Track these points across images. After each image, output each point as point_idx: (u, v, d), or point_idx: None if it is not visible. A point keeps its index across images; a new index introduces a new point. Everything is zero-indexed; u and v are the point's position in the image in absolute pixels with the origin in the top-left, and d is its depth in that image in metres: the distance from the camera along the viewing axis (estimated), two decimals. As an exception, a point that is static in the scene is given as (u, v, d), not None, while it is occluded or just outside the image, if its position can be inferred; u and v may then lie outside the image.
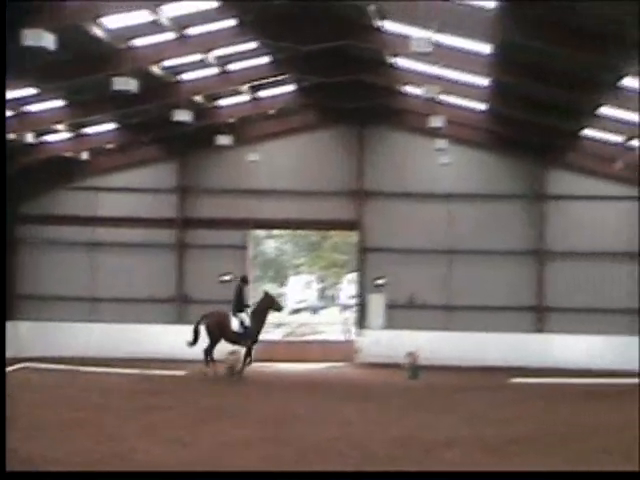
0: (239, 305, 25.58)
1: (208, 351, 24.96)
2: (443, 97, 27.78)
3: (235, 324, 25.26)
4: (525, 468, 11.54)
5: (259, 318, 25.54)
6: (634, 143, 27.22)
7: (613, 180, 31.51)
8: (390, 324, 32.22)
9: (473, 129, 31.47)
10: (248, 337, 25.26)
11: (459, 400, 21.16)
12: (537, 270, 32.15)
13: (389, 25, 22.89)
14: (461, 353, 30.44)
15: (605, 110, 25.51)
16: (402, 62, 26.15)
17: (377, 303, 32.53)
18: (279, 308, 26.66)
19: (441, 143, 28.66)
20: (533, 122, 28.49)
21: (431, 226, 32.47)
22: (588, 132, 28.72)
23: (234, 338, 25.36)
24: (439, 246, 32.44)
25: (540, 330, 31.82)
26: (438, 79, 25.55)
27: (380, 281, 32.46)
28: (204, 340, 25.22)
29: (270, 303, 26.08)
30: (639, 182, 30.38)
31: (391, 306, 32.33)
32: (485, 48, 22.35)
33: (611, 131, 27.85)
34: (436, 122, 25.90)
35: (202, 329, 25.24)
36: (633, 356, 28.93)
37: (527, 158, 32.15)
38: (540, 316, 31.92)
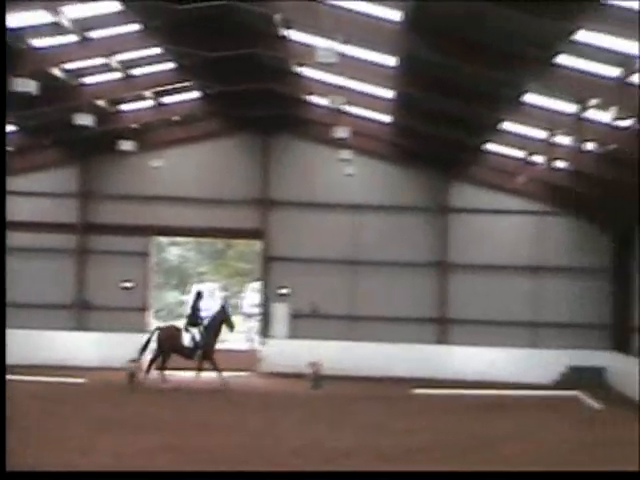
0: (193, 319, 25.80)
1: (151, 360, 25.32)
2: (348, 108, 27.86)
3: (187, 339, 25.53)
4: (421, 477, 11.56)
5: (212, 331, 25.80)
6: (535, 158, 27.66)
7: (515, 194, 31.99)
8: (294, 334, 32.13)
9: (378, 141, 31.57)
10: (200, 351, 25.60)
11: (359, 410, 21.22)
12: (440, 282, 32.40)
13: (295, 35, 22.86)
14: (364, 363, 30.51)
15: (507, 125, 25.91)
16: (308, 72, 26.13)
17: (281, 312, 32.40)
18: (231, 326, 26.74)
19: (345, 154, 28.77)
20: (437, 135, 28.71)
21: (336, 236, 32.45)
22: (491, 146, 29.12)
23: (186, 353, 25.69)
24: (343, 256, 32.45)
25: (442, 342, 32.06)
26: (343, 90, 25.64)
27: (284, 290, 32.36)
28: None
29: (224, 317, 26.20)
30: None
31: (295, 316, 32.24)
32: (390, 60, 22.45)
33: (513, 146, 28.29)
34: (341, 133, 25.97)
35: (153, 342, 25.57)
36: (533, 368, 29.75)
37: (431, 171, 32.39)
38: (442, 328, 32.16)
